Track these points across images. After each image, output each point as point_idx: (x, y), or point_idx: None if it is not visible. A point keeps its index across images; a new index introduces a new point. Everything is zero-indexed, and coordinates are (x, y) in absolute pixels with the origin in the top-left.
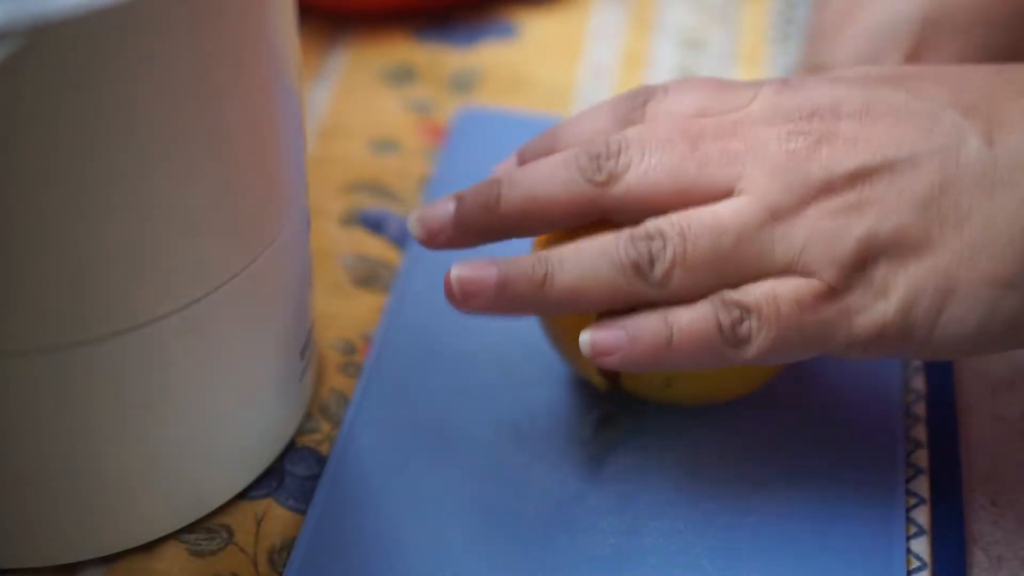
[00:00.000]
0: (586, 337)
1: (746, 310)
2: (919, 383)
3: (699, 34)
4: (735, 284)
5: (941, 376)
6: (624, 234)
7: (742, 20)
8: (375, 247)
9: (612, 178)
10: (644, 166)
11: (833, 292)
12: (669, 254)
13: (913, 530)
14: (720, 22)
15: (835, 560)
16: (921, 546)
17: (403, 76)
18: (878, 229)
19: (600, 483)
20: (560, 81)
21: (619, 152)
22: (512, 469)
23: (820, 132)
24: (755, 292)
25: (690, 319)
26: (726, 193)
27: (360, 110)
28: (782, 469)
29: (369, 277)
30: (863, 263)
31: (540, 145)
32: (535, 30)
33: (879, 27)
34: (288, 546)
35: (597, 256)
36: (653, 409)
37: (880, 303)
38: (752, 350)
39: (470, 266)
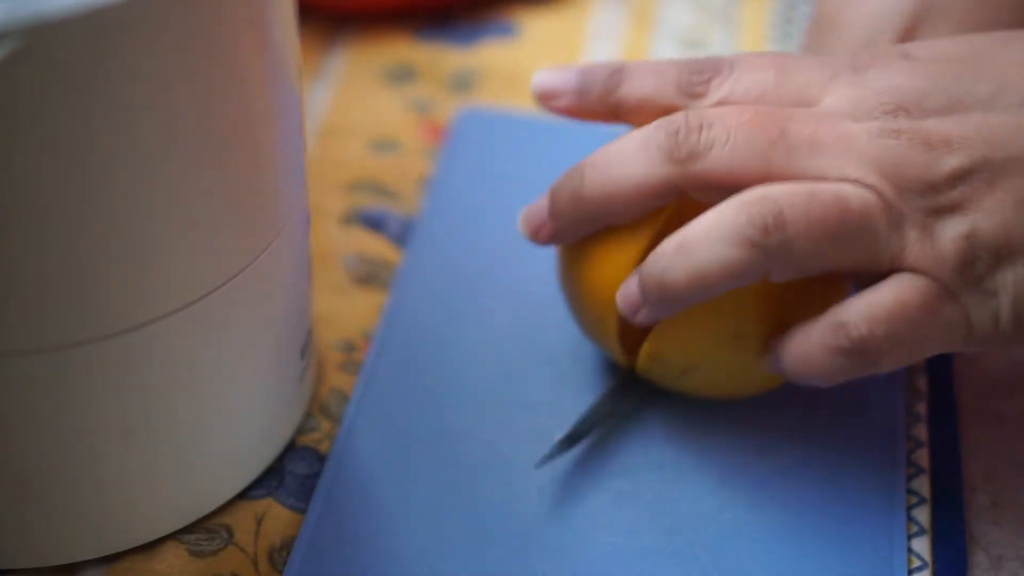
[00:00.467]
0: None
1: (863, 328)
2: (920, 382)
3: (699, 34)
4: (846, 265)
5: (942, 376)
6: (734, 200)
7: (742, 20)
8: (375, 246)
9: (692, 156)
10: (730, 146)
11: (948, 293)
12: (791, 223)
13: (914, 529)
14: (720, 22)
15: (836, 559)
16: (922, 545)
17: (403, 76)
18: (982, 227)
19: (600, 482)
20: None
21: (700, 128)
22: (512, 468)
23: (911, 131)
24: (882, 300)
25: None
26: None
27: (360, 110)
28: (783, 467)
29: (369, 276)
30: (971, 262)
31: (597, 84)
32: (535, 30)
33: (874, 13)
34: (288, 545)
35: (710, 232)
36: (654, 408)
37: (991, 301)
38: (885, 365)
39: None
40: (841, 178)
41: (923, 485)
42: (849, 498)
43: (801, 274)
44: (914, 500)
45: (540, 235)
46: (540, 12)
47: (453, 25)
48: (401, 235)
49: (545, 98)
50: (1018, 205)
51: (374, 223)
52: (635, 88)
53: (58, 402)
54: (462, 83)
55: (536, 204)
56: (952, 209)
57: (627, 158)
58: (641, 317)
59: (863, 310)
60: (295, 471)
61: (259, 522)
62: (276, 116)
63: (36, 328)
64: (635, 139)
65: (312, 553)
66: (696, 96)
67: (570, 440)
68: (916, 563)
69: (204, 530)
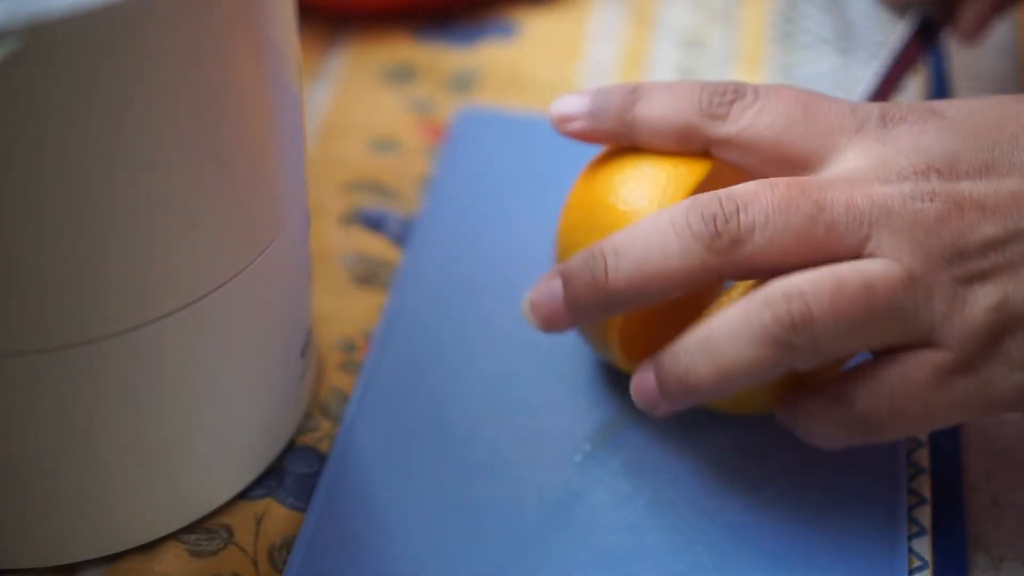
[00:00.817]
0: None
1: (877, 400)
2: None
3: (699, 34)
4: (875, 346)
5: None
6: (758, 297)
7: (742, 20)
8: (375, 246)
9: (734, 243)
10: (772, 229)
11: (967, 365)
12: (819, 319)
13: (915, 529)
14: (720, 22)
15: (836, 559)
16: (923, 545)
17: (403, 75)
18: (1012, 298)
19: (600, 481)
20: (560, 80)
21: (736, 212)
22: (512, 467)
23: (944, 195)
24: (886, 375)
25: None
26: (855, 256)
27: (360, 109)
28: (783, 468)
29: (369, 276)
30: (999, 334)
31: (614, 104)
32: (535, 29)
33: None
34: (288, 544)
35: (735, 330)
36: None
37: (1017, 374)
38: (889, 436)
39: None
40: (874, 252)
41: (923, 485)
42: (850, 498)
43: (829, 359)
44: (915, 500)
45: (556, 325)
46: (540, 12)
47: (453, 25)
48: (401, 235)
49: (562, 122)
50: None
51: (374, 223)
52: (653, 107)
53: (58, 402)
54: (462, 83)
55: (544, 289)
56: (983, 278)
57: (659, 245)
58: (660, 412)
59: (868, 385)
60: (295, 471)
61: (259, 522)
62: (276, 116)
63: (36, 328)
64: (664, 223)
65: (312, 552)
66: (717, 118)
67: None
68: (916, 563)
69: (204, 530)
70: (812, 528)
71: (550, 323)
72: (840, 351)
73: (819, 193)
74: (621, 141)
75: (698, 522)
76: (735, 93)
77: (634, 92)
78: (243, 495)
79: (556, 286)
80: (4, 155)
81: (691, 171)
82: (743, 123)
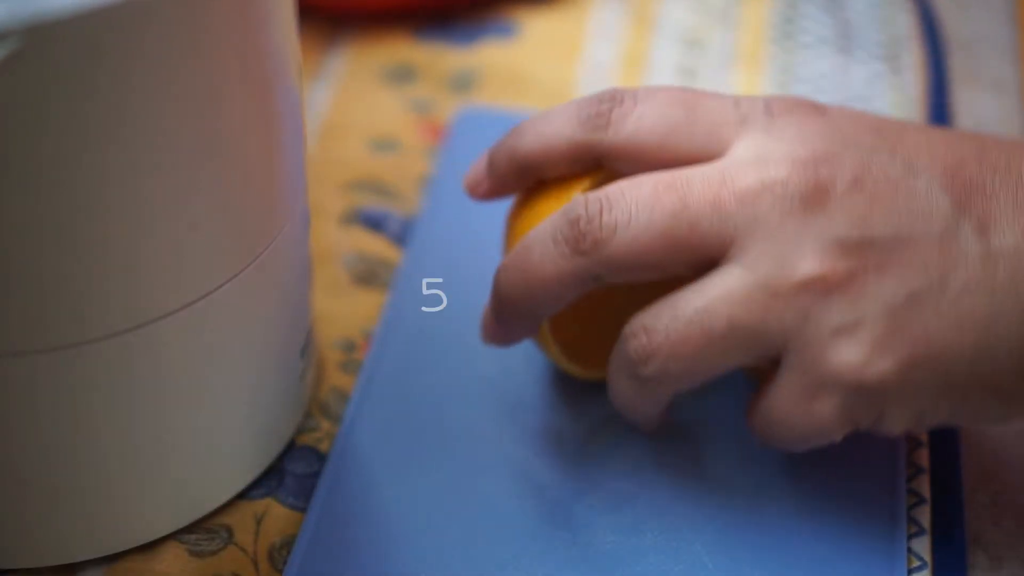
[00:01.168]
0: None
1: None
2: None
3: (699, 34)
4: (743, 363)
5: None
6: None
7: (742, 20)
8: (375, 246)
9: (597, 245)
10: (633, 227)
11: (820, 387)
12: (658, 352)
13: (914, 529)
14: (720, 22)
15: (836, 559)
16: (922, 545)
17: (403, 75)
18: (863, 319)
19: (600, 481)
20: (560, 80)
21: (600, 213)
22: (512, 467)
23: (817, 199)
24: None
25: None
26: (718, 253)
27: (360, 109)
28: (783, 468)
29: (369, 276)
30: (846, 347)
31: (504, 148)
32: (535, 29)
33: None
34: (288, 544)
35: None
36: None
37: (896, 408)
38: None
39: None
40: (735, 256)
41: (923, 485)
42: (849, 498)
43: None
44: (914, 500)
45: (494, 340)
46: (540, 12)
47: (453, 25)
48: (401, 235)
49: (473, 192)
50: (909, 300)
51: (374, 223)
52: (534, 138)
53: (58, 402)
54: (462, 83)
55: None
56: (840, 294)
57: (539, 254)
58: (498, 339)
59: (763, 405)
60: (295, 471)
61: (259, 522)
62: (276, 116)
63: (36, 328)
64: (545, 232)
65: (312, 552)
66: (599, 128)
67: None
68: (916, 563)
69: (204, 530)
70: (811, 528)
71: (492, 340)
72: (697, 378)
73: (685, 189)
74: (526, 182)
75: (698, 522)
76: (612, 101)
77: (513, 131)
78: (243, 495)
79: (487, 313)
80: (3, 155)
81: (578, 186)
82: (626, 131)
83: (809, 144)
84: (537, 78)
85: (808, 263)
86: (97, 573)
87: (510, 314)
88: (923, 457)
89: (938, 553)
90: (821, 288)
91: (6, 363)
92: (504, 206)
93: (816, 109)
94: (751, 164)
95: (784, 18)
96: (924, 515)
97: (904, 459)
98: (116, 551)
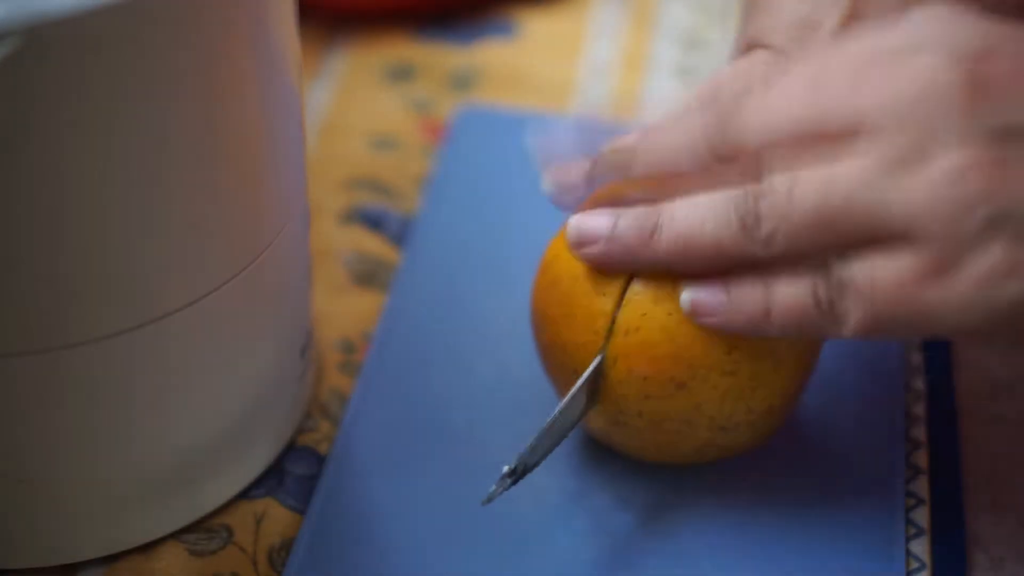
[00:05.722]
0: (687, 296)
1: (843, 288)
2: (919, 383)
3: (699, 34)
4: (844, 247)
5: (941, 376)
6: (739, 188)
7: None
8: (374, 245)
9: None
10: (767, 117)
11: (943, 269)
12: (776, 212)
13: (913, 531)
14: (720, 22)
15: (835, 560)
16: (921, 547)
17: (403, 74)
18: (1013, 208)
19: (599, 484)
20: (560, 79)
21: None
22: None
23: (967, 82)
24: (855, 269)
25: (789, 293)
26: (851, 133)
27: (360, 108)
28: (782, 469)
29: (369, 275)
30: (988, 241)
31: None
32: (535, 29)
33: None
34: (288, 545)
35: (706, 211)
36: None
37: (1004, 285)
38: (849, 329)
39: (589, 216)
40: (864, 134)
41: (922, 486)
42: (848, 499)
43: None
44: (913, 502)
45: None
46: (540, 12)
47: (453, 25)
48: (400, 234)
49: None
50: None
51: (374, 221)
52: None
53: (58, 402)
54: (462, 82)
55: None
56: (983, 177)
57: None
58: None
59: (839, 268)
60: (295, 471)
61: (259, 522)
62: (276, 115)
63: (36, 329)
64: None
65: (311, 554)
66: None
67: (522, 471)
68: (915, 564)
69: (204, 530)
70: (811, 530)
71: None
72: (807, 250)
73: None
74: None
75: (698, 524)
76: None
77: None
78: (243, 495)
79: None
80: (3, 155)
81: (614, 286)
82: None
83: (956, 35)
84: (537, 78)
85: (948, 152)
86: (97, 573)
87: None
88: (922, 458)
89: (937, 554)
90: (957, 180)
91: (6, 363)
92: (505, 207)
93: (966, 9)
94: (893, 56)
95: None
96: (923, 516)
97: (903, 460)
98: (116, 551)
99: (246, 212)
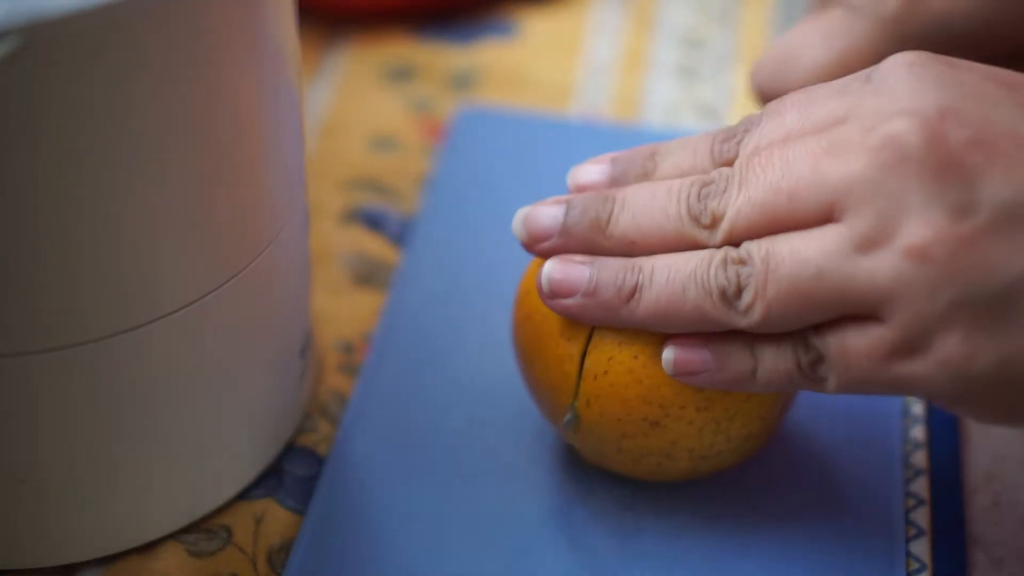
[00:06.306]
0: (669, 355)
1: (819, 357)
2: None
3: (699, 34)
4: (819, 319)
5: None
6: (718, 255)
7: (742, 20)
8: (374, 246)
9: (715, 219)
10: (740, 201)
11: (909, 347)
12: (753, 284)
13: (913, 532)
14: (720, 22)
15: (835, 561)
16: (921, 548)
17: (403, 74)
18: (976, 289)
19: (600, 488)
20: (560, 79)
21: (721, 192)
22: (511, 471)
23: (927, 156)
24: (828, 340)
25: (773, 357)
26: (824, 217)
27: (360, 108)
28: (783, 471)
29: (368, 276)
30: (950, 323)
31: (637, 163)
32: (535, 29)
33: None
34: (287, 546)
35: (687, 278)
36: None
37: (965, 366)
38: (830, 389)
39: (565, 265)
40: (835, 216)
41: (922, 487)
42: (848, 500)
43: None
44: (912, 502)
45: (539, 246)
46: (540, 12)
47: (453, 24)
48: (400, 234)
49: (529, 246)
50: None
51: (373, 222)
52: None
53: (57, 402)
54: (462, 82)
55: (540, 211)
56: (950, 261)
57: (658, 211)
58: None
59: (815, 337)
60: (294, 472)
61: (258, 523)
62: (276, 115)
63: (36, 329)
64: (664, 190)
65: (311, 555)
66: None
67: None
68: (915, 565)
69: (203, 530)
70: (810, 531)
71: (536, 243)
72: (784, 322)
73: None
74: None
75: (697, 526)
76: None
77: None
78: (242, 495)
79: (557, 211)
80: (2, 154)
81: (579, 338)
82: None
83: (922, 97)
84: (537, 78)
85: (911, 229)
86: (97, 573)
87: (593, 240)
88: (922, 459)
89: (938, 555)
90: (921, 258)
91: (6, 363)
92: (505, 207)
93: (937, 60)
94: (859, 125)
95: (784, 18)
96: (923, 517)
97: (903, 460)
98: (115, 551)
99: (245, 212)
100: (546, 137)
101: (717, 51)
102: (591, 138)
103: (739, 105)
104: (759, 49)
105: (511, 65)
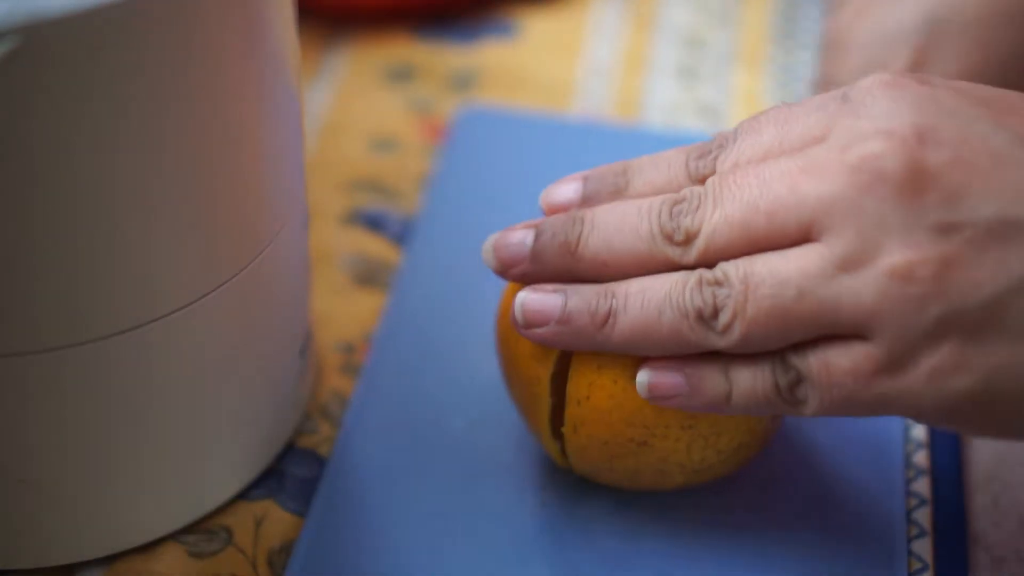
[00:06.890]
0: (644, 378)
1: (800, 377)
2: None
3: (699, 34)
4: (799, 339)
5: None
6: (693, 276)
7: (742, 20)
8: (374, 246)
9: (689, 237)
10: (716, 218)
11: (896, 364)
12: (731, 304)
13: (915, 531)
14: (720, 22)
15: (837, 561)
16: (923, 547)
17: (403, 75)
18: (960, 306)
19: (599, 486)
20: (560, 80)
21: (698, 208)
22: (512, 471)
23: (907, 176)
24: (810, 360)
25: (749, 379)
26: (802, 237)
27: (360, 109)
28: (784, 471)
29: (368, 277)
30: (937, 339)
31: (609, 180)
32: (535, 29)
33: (886, 33)
34: (288, 548)
35: (662, 301)
36: None
37: (953, 380)
38: (809, 411)
39: (537, 295)
40: (815, 235)
41: (924, 486)
42: (850, 500)
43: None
44: (915, 502)
45: (511, 272)
46: (540, 12)
47: (453, 25)
48: (401, 235)
49: (501, 271)
50: (1012, 288)
51: (374, 222)
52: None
53: (57, 403)
54: (462, 82)
55: (509, 237)
56: (932, 277)
57: (629, 231)
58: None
59: (795, 357)
60: (295, 473)
61: (258, 524)
62: (275, 116)
63: (36, 329)
64: (634, 210)
65: (311, 556)
66: (705, 174)
67: None
68: (917, 565)
69: (204, 531)
70: (813, 530)
71: (507, 270)
72: (764, 342)
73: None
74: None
75: (698, 525)
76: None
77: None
78: (243, 496)
79: (526, 237)
80: (2, 154)
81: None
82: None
83: (899, 117)
84: (537, 78)
85: (894, 250)
86: (97, 573)
87: (564, 263)
88: (924, 459)
89: (939, 554)
90: (906, 278)
91: (6, 363)
92: (505, 207)
93: (912, 79)
94: (836, 145)
95: (784, 18)
96: (925, 516)
97: (904, 461)
98: (116, 552)
99: (245, 212)
100: (546, 137)
101: (717, 51)
102: (591, 138)
103: (739, 105)
104: (759, 49)
105: (511, 65)
